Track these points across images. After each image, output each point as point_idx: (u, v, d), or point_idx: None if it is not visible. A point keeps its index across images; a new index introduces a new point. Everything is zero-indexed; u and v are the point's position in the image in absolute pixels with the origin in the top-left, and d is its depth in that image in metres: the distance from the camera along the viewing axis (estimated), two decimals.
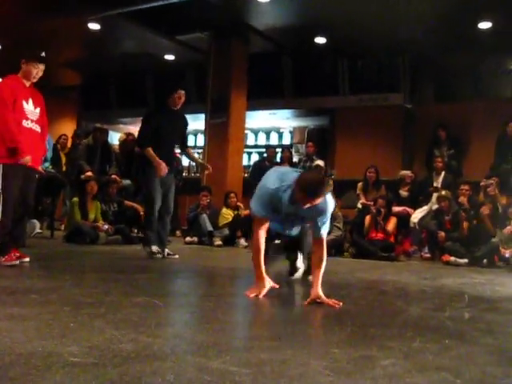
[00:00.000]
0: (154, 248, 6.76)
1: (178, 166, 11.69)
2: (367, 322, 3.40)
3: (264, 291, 4.08)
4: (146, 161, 6.76)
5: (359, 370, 2.20)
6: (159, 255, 6.72)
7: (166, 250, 6.96)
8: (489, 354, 2.62)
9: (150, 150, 6.69)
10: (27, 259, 5.49)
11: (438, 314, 3.69)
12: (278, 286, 4.29)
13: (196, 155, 7.83)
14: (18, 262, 5.37)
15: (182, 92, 6.90)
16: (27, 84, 5.58)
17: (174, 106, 6.94)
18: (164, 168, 6.65)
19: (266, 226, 4.31)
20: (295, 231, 4.83)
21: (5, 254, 5.37)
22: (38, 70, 5.57)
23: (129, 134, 11.65)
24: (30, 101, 5.55)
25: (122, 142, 11.42)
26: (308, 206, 3.95)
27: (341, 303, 3.84)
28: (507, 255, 7.77)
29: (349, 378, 2.09)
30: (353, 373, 2.17)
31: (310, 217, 4.24)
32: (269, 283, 4.19)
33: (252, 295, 4.04)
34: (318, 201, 3.97)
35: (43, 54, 5.70)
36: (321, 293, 3.91)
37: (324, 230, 4.20)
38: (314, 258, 4.25)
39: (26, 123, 5.46)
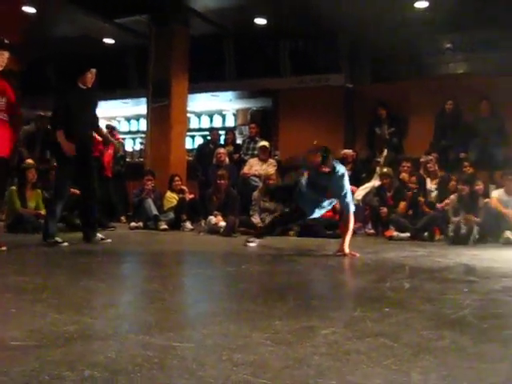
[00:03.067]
0: (58, 238, 6.49)
1: (120, 151, 11.61)
2: (310, 295, 3.46)
3: None
4: (59, 146, 6.50)
5: (300, 340, 2.26)
6: (65, 243, 6.44)
7: (99, 235, 6.85)
8: (426, 319, 2.71)
9: (61, 132, 6.46)
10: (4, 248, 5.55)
11: (380, 285, 3.78)
12: None
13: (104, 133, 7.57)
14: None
15: (94, 70, 6.68)
16: None
17: (85, 85, 6.68)
18: (71, 148, 6.42)
19: None
20: (318, 213, 6.48)
21: None
22: (3, 58, 5.45)
23: None
24: None
25: None
26: (323, 168, 5.89)
27: (357, 254, 5.68)
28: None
29: (290, 348, 2.14)
30: (294, 342, 2.22)
31: (331, 186, 6.00)
32: None
33: None
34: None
35: (6, 41, 5.56)
36: (346, 249, 5.71)
37: (347, 205, 5.95)
38: (342, 225, 6.14)
39: None
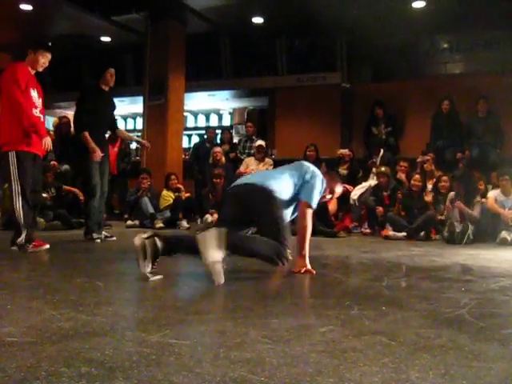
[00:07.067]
0: (94, 235, 6.70)
1: (125, 148, 11.64)
2: (307, 293, 3.46)
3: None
4: (84, 146, 6.64)
5: (297, 338, 2.25)
6: (98, 240, 6.67)
7: (104, 233, 6.91)
8: (423, 317, 2.71)
9: (87, 134, 6.59)
10: (47, 246, 5.55)
11: (376, 284, 3.77)
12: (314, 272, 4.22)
13: (131, 134, 7.70)
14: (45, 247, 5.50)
15: (113, 70, 6.83)
16: (32, 73, 5.52)
17: (107, 85, 6.85)
18: (99, 153, 6.60)
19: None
20: None
21: (32, 241, 5.44)
22: (45, 60, 5.52)
23: (62, 117, 11.50)
24: (36, 90, 5.48)
25: (57, 126, 11.24)
26: None
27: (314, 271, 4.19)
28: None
29: (287, 345, 2.13)
30: (291, 340, 2.22)
31: None
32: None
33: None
34: None
35: (50, 43, 5.64)
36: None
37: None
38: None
39: (35, 112, 5.40)
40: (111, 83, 6.87)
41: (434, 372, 1.85)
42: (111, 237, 6.93)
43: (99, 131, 6.86)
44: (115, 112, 7.32)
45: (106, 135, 7.47)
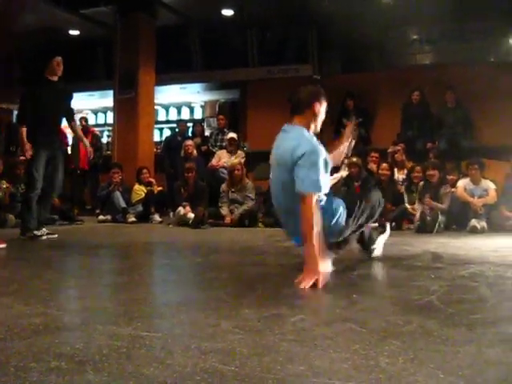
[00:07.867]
0: (38, 232, 6.43)
1: (96, 143, 11.55)
2: (279, 283, 3.46)
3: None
4: (31, 139, 6.39)
5: (269, 327, 2.26)
6: (45, 236, 6.41)
7: (45, 230, 6.64)
8: (393, 305, 2.74)
9: (23, 131, 6.37)
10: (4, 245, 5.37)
11: (348, 273, 3.80)
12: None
13: (79, 130, 7.39)
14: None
15: (60, 58, 6.56)
16: None
17: (54, 75, 6.57)
18: (28, 152, 6.33)
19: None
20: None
21: None
22: None
23: None
24: None
25: None
26: None
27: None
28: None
29: (258, 335, 2.14)
30: (262, 330, 2.22)
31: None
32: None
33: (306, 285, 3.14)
34: None
35: None
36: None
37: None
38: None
39: None
40: (59, 72, 6.58)
41: (403, 357, 1.87)
42: (53, 234, 6.65)
43: (48, 123, 6.55)
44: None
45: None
